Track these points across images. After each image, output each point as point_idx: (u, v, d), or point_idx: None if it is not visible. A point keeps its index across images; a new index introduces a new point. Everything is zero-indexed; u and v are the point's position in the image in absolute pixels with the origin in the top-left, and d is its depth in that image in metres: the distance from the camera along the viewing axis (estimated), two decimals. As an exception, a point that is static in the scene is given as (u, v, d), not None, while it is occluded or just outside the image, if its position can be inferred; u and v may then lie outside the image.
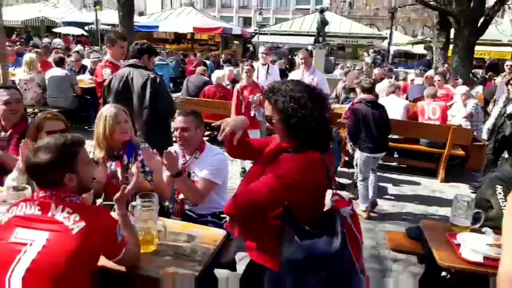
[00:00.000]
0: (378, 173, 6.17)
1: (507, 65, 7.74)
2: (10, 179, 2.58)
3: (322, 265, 1.75)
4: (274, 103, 1.90)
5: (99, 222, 1.73)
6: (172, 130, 3.70)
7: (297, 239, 1.78)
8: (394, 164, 6.88)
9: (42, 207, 1.69)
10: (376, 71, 10.29)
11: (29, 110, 7.29)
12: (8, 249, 1.63)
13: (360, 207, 4.76)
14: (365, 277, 1.85)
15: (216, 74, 7.71)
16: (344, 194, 2.65)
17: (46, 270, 1.58)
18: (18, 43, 15.68)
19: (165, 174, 2.82)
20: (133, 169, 2.41)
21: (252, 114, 5.43)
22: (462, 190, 5.04)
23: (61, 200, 1.71)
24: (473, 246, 2.31)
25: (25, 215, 1.69)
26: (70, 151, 1.77)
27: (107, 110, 2.88)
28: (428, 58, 18.23)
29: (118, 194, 2.10)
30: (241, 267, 2.44)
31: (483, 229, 2.52)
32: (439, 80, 7.84)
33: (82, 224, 1.66)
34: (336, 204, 1.88)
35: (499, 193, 2.75)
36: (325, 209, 1.94)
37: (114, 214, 2.37)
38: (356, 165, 5.04)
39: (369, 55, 21.40)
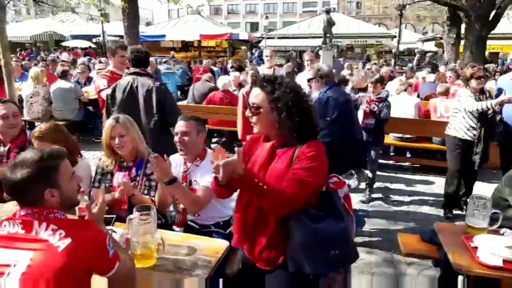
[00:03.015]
0: (391, 174, 6.08)
1: None
2: None
3: (334, 244, 1.89)
4: (270, 92, 1.94)
5: (86, 237, 1.64)
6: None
7: (310, 223, 1.87)
8: (407, 164, 6.73)
9: (25, 225, 1.60)
10: (384, 69, 10.13)
11: (37, 123, 7.30)
12: None
13: None
14: None
15: (222, 80, 7.63)
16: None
17: None
18: (26, 58, 15.89)
19: None
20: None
21: (258, 119, 5.32)
22: (479, 189, 4.85)
23: (44, 217, 1.62)
24: (491, 249, 2.18)
25: (8, 234, 1.60)
26: (48, 165, 1.68)
27: (108, 122, 2.90)
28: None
29: (86, 216, 2.01)
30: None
31: (502, 230, 2.37)
32: (450, 76, 7.66)
33: (68, 240, 1.56)
34: (335, 186, 2.05)
35: (517, 191, 2.60)
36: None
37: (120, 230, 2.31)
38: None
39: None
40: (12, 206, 2.40)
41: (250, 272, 2.14)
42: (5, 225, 1.63)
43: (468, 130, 4.46)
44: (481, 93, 4.54)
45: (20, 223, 1.61)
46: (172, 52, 20.39)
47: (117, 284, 1.77)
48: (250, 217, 2.02)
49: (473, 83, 4.48)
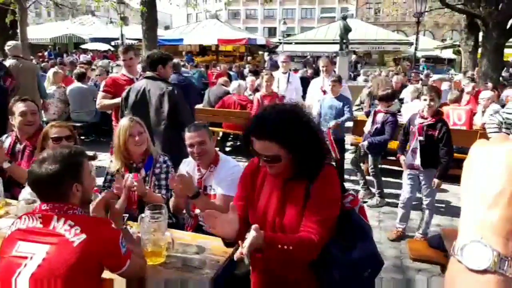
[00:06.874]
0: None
1: None
2: (27, 192, 2.60)
3: (367, 265, 1.90)
4: (283, 141, 1.76)
5: (101, 234, 1.71)
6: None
7: (341, 255, 1.84)
8: (420, 171, 6.67)
9: (44, 220, 1.68)
10: (394, 79, 9.99)
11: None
12: (9, 263, 1.64)
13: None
14: None
15: (233, 85, 7.67)
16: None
17: (46, 283, 1.57)
18: (45, 60, 16.26)
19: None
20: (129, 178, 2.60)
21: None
22: None
23: (63, 213, 1.71)
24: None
25: (27, 228, 1.69)
26: (76, 160, 1.79)
27: (122, 123, 2.95)
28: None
29: (110, 212, 2.11)
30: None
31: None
32: (464, 85, 7.62)
33: (83, 236, 1.64)
34: (351, 204, 1.98)
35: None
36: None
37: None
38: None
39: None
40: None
41: None
42: (25, 219, 1.71)
43: None
44: None
45: (39, 217, 1.69)
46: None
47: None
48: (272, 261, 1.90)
49: None
